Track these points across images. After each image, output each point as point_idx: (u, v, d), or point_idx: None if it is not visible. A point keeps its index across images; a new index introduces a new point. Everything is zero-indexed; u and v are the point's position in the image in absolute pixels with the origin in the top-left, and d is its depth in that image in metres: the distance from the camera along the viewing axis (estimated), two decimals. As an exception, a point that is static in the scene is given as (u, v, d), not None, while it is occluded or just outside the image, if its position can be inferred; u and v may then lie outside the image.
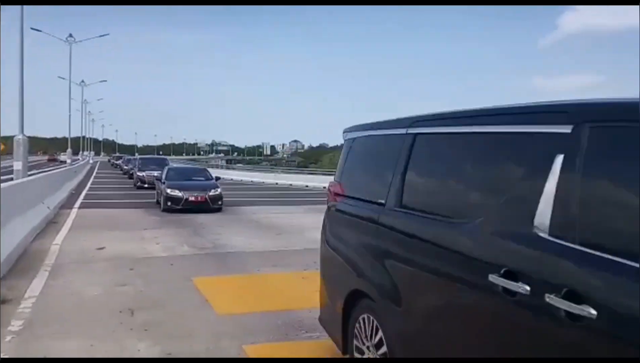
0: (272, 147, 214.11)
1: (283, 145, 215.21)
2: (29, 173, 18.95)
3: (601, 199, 2.31)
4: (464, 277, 2.85)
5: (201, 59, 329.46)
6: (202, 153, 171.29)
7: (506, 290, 2.48)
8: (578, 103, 2.52)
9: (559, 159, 2.41)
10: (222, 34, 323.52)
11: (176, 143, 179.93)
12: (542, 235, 2.43)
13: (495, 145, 2.93)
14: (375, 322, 3.64)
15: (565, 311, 2.17)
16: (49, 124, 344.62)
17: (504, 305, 2.52)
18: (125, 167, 44.63)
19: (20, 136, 18.57)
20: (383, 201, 3.73)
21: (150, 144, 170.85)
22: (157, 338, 5.26)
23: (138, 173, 28.45)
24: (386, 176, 3.81)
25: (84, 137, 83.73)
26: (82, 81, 68.02)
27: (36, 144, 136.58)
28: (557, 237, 2.35)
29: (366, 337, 3.75)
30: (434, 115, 3.64)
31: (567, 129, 2.42)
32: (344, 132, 4.94)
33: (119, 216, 16.06)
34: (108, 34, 48.81)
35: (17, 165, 18.18)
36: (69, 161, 48.57)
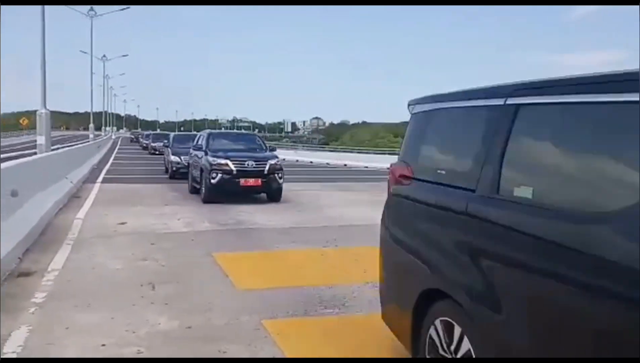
0: (293, 124, 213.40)
1: (304, 122, 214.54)
2: (52, 147, 19.13)
3: None
4: (605, 288, 2.16)
5: (222, 34, 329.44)
6: (223, 129, 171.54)
7: None
8: None
9: None
10: (244, 9, 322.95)
11: (197, 118, 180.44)
12: None
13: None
14: (459, 329, 3.02)
15: None
16: (70, 99, 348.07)
17: None
18: (173, 158, 19.87)
19: (43, 111, 18.65)
20: (473, 187, 3.06)
21: (171, 120, 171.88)
22: (177, 312, 5.30)
23: None
24: (476, 157, 3.13)
25: (106, 112, 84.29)
26: (104, 56, 68.53)
27: (58, 119, 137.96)
28: None
29: (445, 342, 3.15)
30: (545, 81, 2.87)
31: None
32: (409, 105, 4.28)
33: (140, 192, 16.20)
34: (129, 7, 48.50)
35: (40, 139, 18.33)
36: (91, 136, 49.02)
